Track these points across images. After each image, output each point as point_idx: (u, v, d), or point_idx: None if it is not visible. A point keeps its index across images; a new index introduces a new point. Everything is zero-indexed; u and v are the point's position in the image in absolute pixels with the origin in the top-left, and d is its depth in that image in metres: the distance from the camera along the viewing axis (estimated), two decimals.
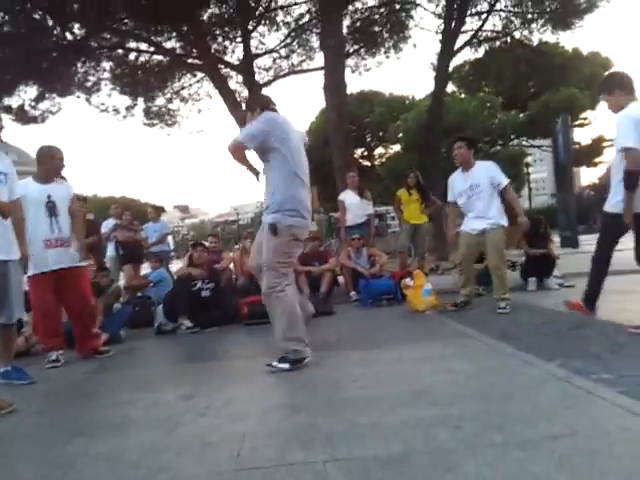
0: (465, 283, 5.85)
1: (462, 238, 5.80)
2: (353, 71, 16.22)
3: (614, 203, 4.24)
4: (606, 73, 4.96)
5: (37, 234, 4.56)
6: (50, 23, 12.32)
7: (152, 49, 13.92)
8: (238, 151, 3.75)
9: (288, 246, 3.73)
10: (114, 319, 5.76)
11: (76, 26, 12.67)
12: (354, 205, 8.38)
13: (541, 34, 15.71)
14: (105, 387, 3.90)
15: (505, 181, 5.60)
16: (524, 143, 30.51)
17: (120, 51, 13.99)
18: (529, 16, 15.11)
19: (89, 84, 14.16)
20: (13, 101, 13.36)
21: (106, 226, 8.70)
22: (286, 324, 3.68)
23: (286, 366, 3.64)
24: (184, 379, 3.87)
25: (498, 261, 5.55)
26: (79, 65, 13.64)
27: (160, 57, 14.37)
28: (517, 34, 15.82)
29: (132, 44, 13.88)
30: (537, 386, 2.85)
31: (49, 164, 4.72)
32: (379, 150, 31.62)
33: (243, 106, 13.53)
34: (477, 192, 5.59)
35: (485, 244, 5.60)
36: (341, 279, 7.81)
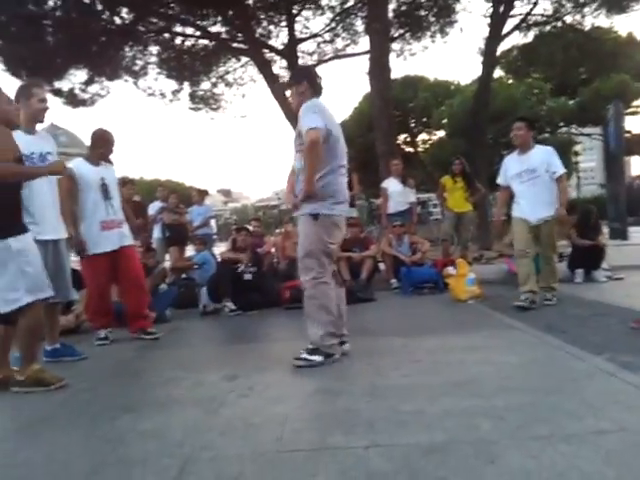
0: (526, 279, 5.27)
1: (516, 225, 5.41)
2: (398, 55, 15.97)
3: None
4: None
5: (95, 216, 4.66)
6: (99, 8, 12.55)
7: (198, 33, 14.02)
8: (318, 141, 3.38)
9: (329, 233, 3.55)
10: (160, 299, 5.90)
11: (124, 10, 12.86)
12: (396, 193, 8.31)
13: (594, 18, 15.14)
14: (151, 365, 4.00)
15: (561, 170, 5.27)
16: (573, 131, 29.57)
17: (167, 35, 14.13)
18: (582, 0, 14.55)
19: (137, 68, 14.38)
20: (64, 84, 13.68)
21: (153, 208, 8.88)
22: (326, 318, 3.51)
23: (319, 358, 3.45)
24: (227, 360, 3.94)
25: (552, 252, 5.42)
26: (127, 49, 13.85)
27: (205, 41, 14.46)
28: (568, 18, 15.28)
29: (178, 28, 14.01)
30: (584, 380, 2.80)
31: (105, 148, 4.85)
32: (422, 136, 31.16)
33: (287, 90, 13.58)
34: (533, 177, 5.27)
35: (538, 233, 5.32)
36: (382, 266, 7.78)
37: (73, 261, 4.68)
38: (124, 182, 7.76)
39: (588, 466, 1.82)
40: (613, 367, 2.96)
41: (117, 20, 12.97)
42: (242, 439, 2.28)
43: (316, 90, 3.66)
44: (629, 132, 29.90)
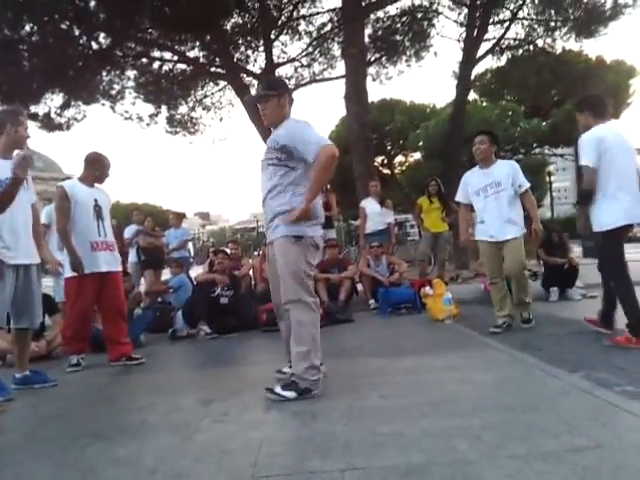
0: (501, 302, 5.16)
1: (483, 249, 5.21)
2: (374, 79, 16.22)
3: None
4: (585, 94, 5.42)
5: (86, 236, 4.62)
6: (77, 33, 12.56)
7: (176, 58, 14.09)
8: (336, 156, 3.23)
9: (309, 256, 3.36)
10: (135, 324, 5.79)
11: (102, 35, 12.89)
12: (375, 213, 8.38)
13: (564, 42, 15.54)
14: (125, 391, 3.92)
15: (526, 184, 5.08)
16: (546, 152, 30.18)
17: (144, 60, 14.17)
18: (552, 24, 14.95)
19: (114, 92, 14.37)
20: (39, 109, 13.60)
21: (128, 232, 8.80)
22: (308, 349, 3.23)
23: (292, 395, 3.17)
24: (203, 384, 3.88)
25: (520, 271, 5.08)
26: (104, 74, 13.85)
27: (183, 66, 14.54)
28: (540, 42, 15.67)
29: (156, 53, 14.08)
30: (560, 398, 2.80)
31: (101, 171, 4.83)
32: (399, 158, 31.51)
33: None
34: (498, 191, 5.02)
35: (504, 251, 5.06)
36: (360, 287, 7.78)
37: (47, 286, 4.60)
38: None
39: None
40: (588, 385, 2.98)
41: (94, 45, 12.98)
42: (216, 465, 2.24)
43: (291, 105, 3.52)
44: None
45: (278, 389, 3.22)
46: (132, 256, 8.71)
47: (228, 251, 7.58)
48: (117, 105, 14.58)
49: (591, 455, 2.04)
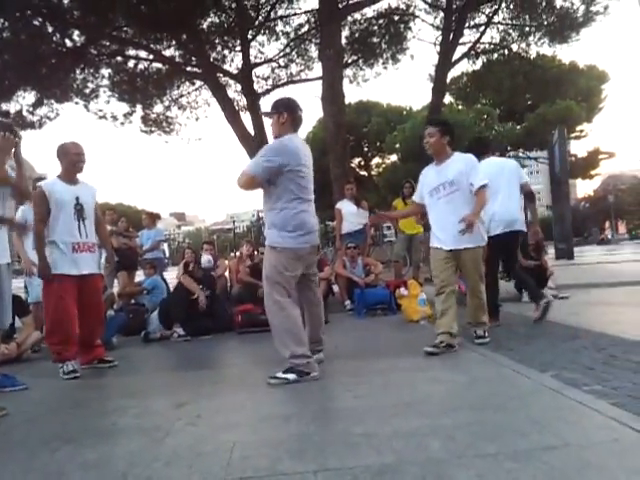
0: (442, 319, 4.35)
1: (434, 254, 4.56)
2: (351, 81, 16.30)
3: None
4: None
5: (65, 237, 4.42)
6: (50, 30, 12.37)
7: (151, 57, 13.95)
8: (253, 184, 3.80)
9: (287, 265, 3.74)
10: (107, 326, 5.69)
11: (76, 33, 12.72)
12: (351, 214, 8.40)
13: (538, 47, 15.82)
14: (96, 394, 3.87)
15: (480, 182, 4.29)
16: (520, 155, 30.66)
17: (119, 58, 14.02)
18: (526, 29, 15.20)
19: (87, 91, 14.18)
20: (11, 106, 13.38)
21: None
22: (290, 341, 3.64)
23: (292, 376, 3.54)
24: (175, 387, 3.84)
25: (478, 284, 4.51)
26: (78, 72, 13.66)
27: (159, 65, 14.41)
28: (515, 47, 15.92)
29: (131, 52, 13.92)
30: (530, 397, 2.85)
31: (65, 161, 4.54)
32: (376, 160, 31.74)
33: (241, 114, 13.62)
34: (451, 191, 4.33)
35: (460, 261, 4.45)
36: (336, 288, 7.80)
37: (18, 287, 4.50)
38: None
39: None
40: (558, 384, 3.03)
41: (68, 42, 12.80)
42: (188, 468, 2.22)
43: (294, 122, 3.87)
44: (574, 156, 31.20)
45: (279, 373, 3.58)
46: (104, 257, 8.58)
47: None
48: (91, 104, 14.41)
49: (559, 453, 2.07)
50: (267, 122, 4.15)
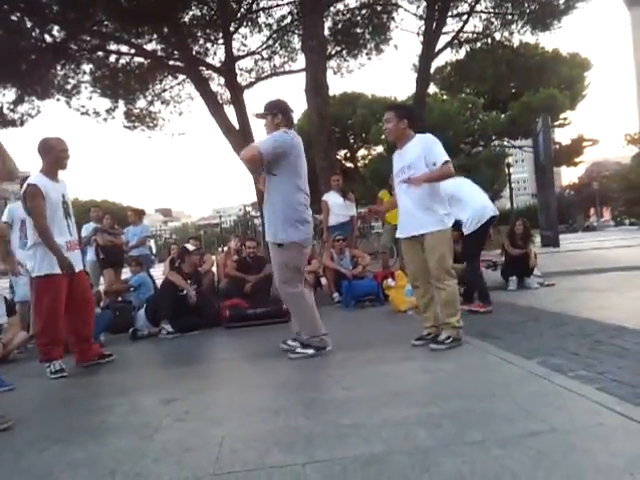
0: (426, 308, 4.26)
1: (401, 247, 4.49)
2: (335, 73, 16.24)
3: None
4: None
5: (59, 236, 4.33)
6: (29, 25, 12.18)
7: (133, 51, 13.81)
8: (255, 160, 4.06)
9: (296, 258, 4.08)
10: (94, 324, 5.68)
11: (55, 28, 12.55)
12: (337, 206, 8.39)
13: (521, 35, 15.87)
14: (84, 393, 3.84)
15: (442, 159, 4.01)
16: (505, 144, 30.80)
17: (100, 53, 13.85)
18: (509, 17, 15.23)
19: (69, 87, 14.01)
20: None
21: (86, 230, 8.59)
22: (308, 325, 4.10)
23: (311, 351, 4.01)
24: (164, 384, 3.83)
25: (438, 272, 4.05)
26: (59, 68, 13.49)
27: (141, 59, 14.27)
28: (497, 35, 15.95)
29: (113, 46, 13.77)
30: (517, 384, 2.87)
31: (49, 157, 4.40)
32: (362, 151, 31.73)
33: (225, 107, 13.55)
34: (408, 175, 4.10)
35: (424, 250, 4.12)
36: (324, 280, 7.80)
37: (3, 287, 4.45)
38: None
39: (519, 468, 1.85)
40: (544, 371, 3.06)
41: (48, 38, 12.62)
42: (177, 464, 2.21)
43: (289, 122, 4.16)
44: (558, 144, 31.41)
45: (299, 349, 4.06)
46: (90, 254, 8.51)
47: (191, 247, 7.47)
48: (73, 100, 14.24)
49: (546, 439, 2.09)
50: (253, 118, 4.31)
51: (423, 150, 4.07)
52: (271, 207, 4.09)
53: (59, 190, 4.43)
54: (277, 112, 4.13)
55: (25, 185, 4.35)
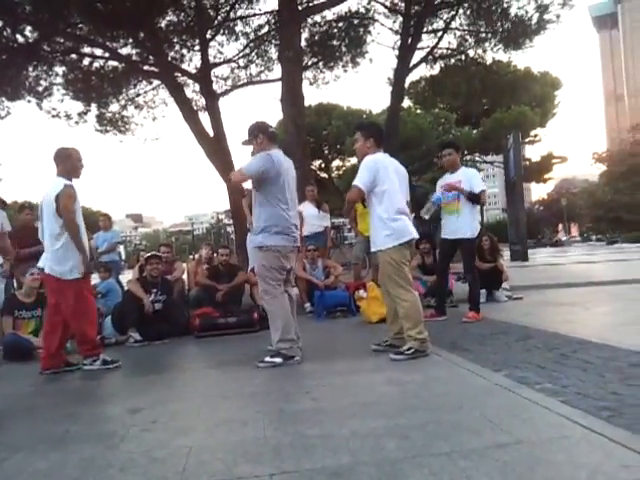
0: (393, 318, 4.36)
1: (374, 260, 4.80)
2: (311, 84, 16.36)
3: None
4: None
5: (85, 238, 4.61)
6: (0, 24, 11.98)
7: (107, 55, 13.68)
8: (241, 181, 4.58)
9: (274, 262, 4.27)
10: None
11: (28, 29, 12.36)
12: (311, 216, 8.41)
13: (494, 53, 16.23)
14: (48, 401, 3.74)
15: (355, 181, 4.36)
16: (477, 159, 31.28)
17: (74, 56, 13.69)
18: (482, 35, 15.54)
19: (40, 89, 13.82)
20: None
21: None
22: (279, 326, 4.18)
23: (279, 360, 4.07)
24: (131, 392, 3.77)
25: (392, 289, 4.24)
26: (30, 69, 13.30)
27: (115, 63, 14.14)
28: (471, 52, 16.27)
29: (86, 49, 13.62)
30: (484, 396, 2.90)
31: (65, 164, 4.60)
32: (336, 162, 31.88)
33: (199, 114, 13.50)
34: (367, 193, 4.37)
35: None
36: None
37: None
38: (23, 206, 7.37)
39: None
40: (511, 383, 3.10)
41: (20, 38, 12.43)
42: (143, 474, 2.18)
43: (271, 139, 4.46)
44: (528, 160, 32.04)
45: (267, 357, 4.12)
46: None
47: (161, 255, 7.38)
48: (44, 102, 14.06)
49: (512, 450, 2.12)
50: (228, 128, 4.39)
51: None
52: (255, 216, 4.41)
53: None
54: (257, 133, 4.42)
55: (62, 186, 4.45)
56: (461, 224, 5.77)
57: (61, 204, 4.39)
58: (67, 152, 4.64)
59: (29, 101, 13.88)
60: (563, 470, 1.91)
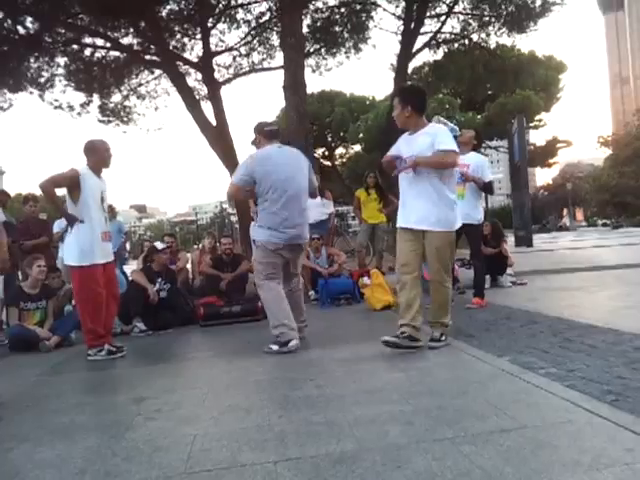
0: (405, 309, 3.88)
1: (397, 237, 4.09)
2: (314, 70, 16.28)
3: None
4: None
5: (97, 225, 4.61)
6: (0, 15, 11.94)
7: (109, 45, 13.64)
8: (234, 193, 4.73)
9: (266, 255, 4.43)
10: (65, 321, 5.59)
11: (29, 20, 12.32)
12: (314, 204, 8.37)
13: (498, 37, 16.11)
14: (54, 391, 3.76)
15: (449, 146, 3.83)
16: (482, 144, 31.04)
17: (75, 46, 13.65)
18: (486, 19, 15.41)
19: (42, 80, 13.81)
20: None
21: (58, 226, 8.43)
22: (271, 314, 4.36)
23: (275, 347, 4.18)
24: (136, 382, 3.78)
25: (441, 274, 3.89)
26: (32, 60, 13.27)
27: (117, 53, 14.10)
28: (475, 37, 16.14)
29: (88, 40, 13.58)
30: (488, 381, 2.90)
31: (95, 156, 4.72)
32: (340, 150, 31.78)
33: (202, 103, 13.46)
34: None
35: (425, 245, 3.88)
36: (300, 278, 7.78)
37: None
38: (27, 199, 7.37)
39: (489, 465, 1.87)
40: (515, 368, 3.10)
41: (21, 30, 12.40)
42: (148, 463, 2.19)
43: (267, 137, 4.55)
44: (533, 145, 31.85)
45: (270, 344, 4.23)
46: (62, 251, 8.36)
47: (160, 246, 7.35)
48: (46, 93, 14.05)
49: (515, 435, 2.12)
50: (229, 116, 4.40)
51: (432, 140, 3.82)
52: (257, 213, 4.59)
53: (100, 186, 4.74)
54: (255, 134, 4.64)
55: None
56: (466, 209, 5.48)
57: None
58: (95, 145, 4.75)
59: (31, 93, 13.89)
60: (567, 454, 1.91)
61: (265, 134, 4.57)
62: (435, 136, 3.82)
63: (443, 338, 3.91)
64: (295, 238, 4.49)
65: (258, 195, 4.46)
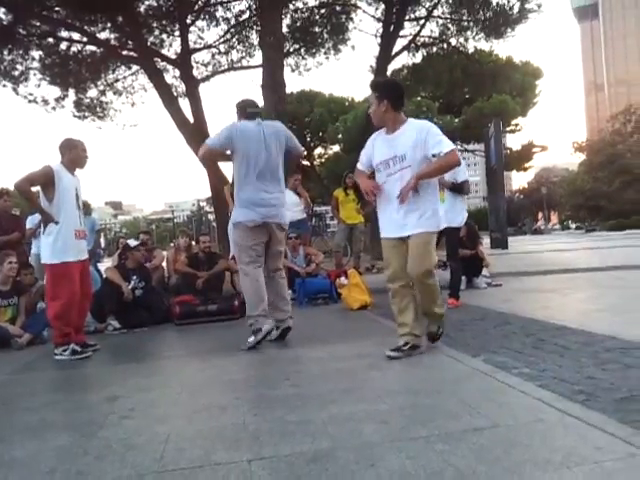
0: (402, 318, 3.71)
1: (384, 248, 3.80)
2: (293, 70, 16.25)
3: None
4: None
5: (70, 223, 4.56)
6: None
7: (85, 39, 13.44)
8: (206, 154, 4.54)
9: (243, 237, 4.40)
10: (38, 319, 5.48)
11: (1, 11, 12.09)
12: (292, 203, 8.36)
13: (476, 42, 16.27)
14: (25, 389, 3.69)
15: (447, 147, 3.55)
16: (458, 147, 31.32)
17: (51, 40, 13.42)
18: (464, 24, 15.56)
19: (16, 73, 13.54)
20: None
21: (31, 222, 8.26)
22: (253, 301, 4.34)
23: (251, 339, 4.22)
24: (109, 380, 3.73)
25: (424, 271, 3.57)
26: (6, 52, 13.01)
27: (93, 48, 13.90)
28: (453, 41, 16.28)
29: (64, 33, 13.36)
30: (462, 381, 2.93)
31: (70, 154, 4.68)
32: (319, 150, 31.74)
33: (179, 100, 13.35)
34: (400, 168, 3.60)
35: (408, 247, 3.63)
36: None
37: None
38: (0, 193, 7.22)
39: (462, 463, 1.89)
40: (489, 368, 3.13)
41: None
42: (120, 462, 2.16)
43: (242, 113, 4.55)
44: (509, 149, 32.23)
45: (247, 340, 4.23)
46: (35, 248, 8.20)
47: (133, 243, 7.27)
48: (20, 87, 13.77)
49: (488, 434, 2.14)
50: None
51: (419, 138, 3.56)
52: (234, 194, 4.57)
53: (73, 183, 4.69)
54: (237, 111, 4.62)
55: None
56: (447, 213, 5.34)
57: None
58: (72, 143, 4.73)
59: (4, 85, 13.61)
60: (539, 453, 1.94)
61: (247, 115, 4.54)
62: (421, 134, 3.56)
63: (440, 331, 3.84)
64: (272, 217, 4.43)
65: (234, 169, 4.46)
